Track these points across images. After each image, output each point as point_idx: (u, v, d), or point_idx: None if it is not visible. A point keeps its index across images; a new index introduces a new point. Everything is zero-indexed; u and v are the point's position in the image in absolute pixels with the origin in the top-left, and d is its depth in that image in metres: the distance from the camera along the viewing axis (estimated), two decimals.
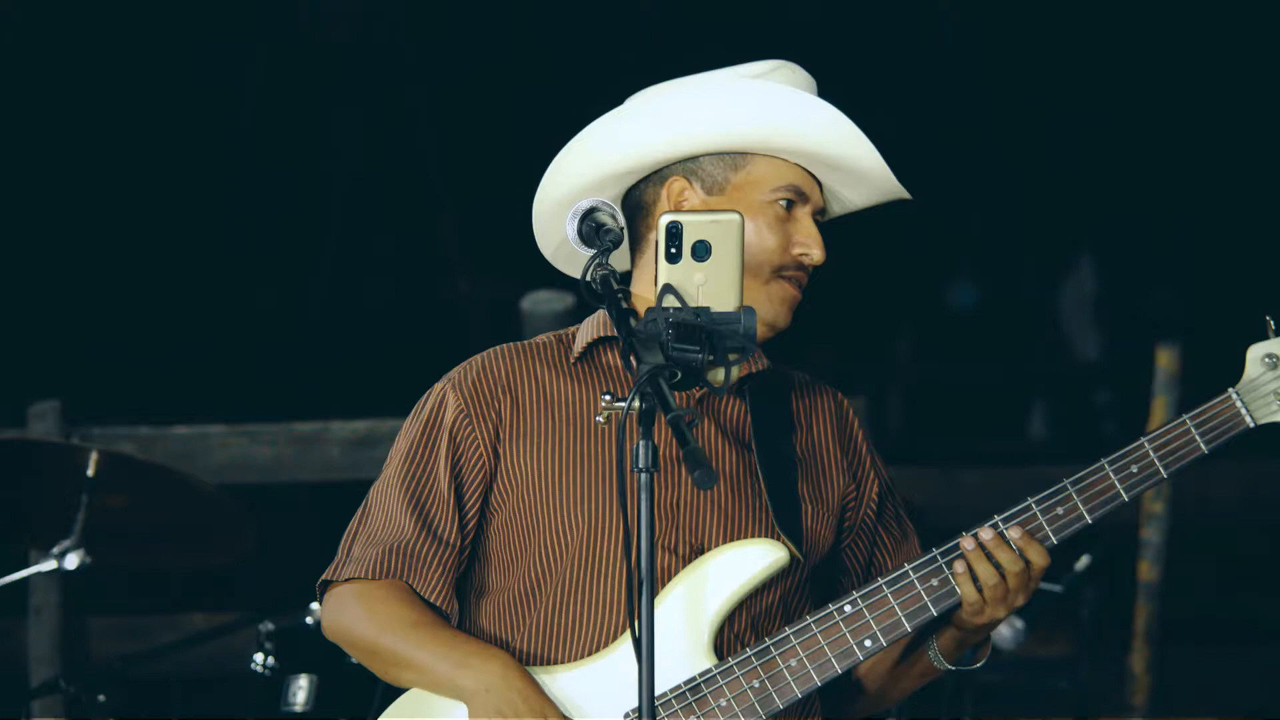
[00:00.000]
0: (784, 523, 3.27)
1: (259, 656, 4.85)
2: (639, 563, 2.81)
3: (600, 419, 3.20)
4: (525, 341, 3.43)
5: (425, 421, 3.37)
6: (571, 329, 3.46)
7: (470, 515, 3.34)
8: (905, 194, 3.43)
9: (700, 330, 2.91)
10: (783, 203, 3.36)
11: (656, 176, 3.41)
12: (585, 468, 3.30)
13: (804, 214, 3.39)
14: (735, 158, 3.39)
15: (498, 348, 3.42)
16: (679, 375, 2.88)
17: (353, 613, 3.32)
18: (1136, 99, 7.70)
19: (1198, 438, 3.27)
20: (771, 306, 3.35)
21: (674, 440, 2.86)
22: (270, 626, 4.81)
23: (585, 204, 3.23)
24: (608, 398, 2.98)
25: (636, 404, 2.83)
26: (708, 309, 2.94)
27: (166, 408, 6.60)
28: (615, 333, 3.30)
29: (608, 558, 3.28)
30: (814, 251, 3.36)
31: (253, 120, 7.65)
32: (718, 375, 2.93)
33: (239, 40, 7.41)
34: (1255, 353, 3.29)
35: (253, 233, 7.61)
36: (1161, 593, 6.35)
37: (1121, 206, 8.01)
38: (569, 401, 3.35)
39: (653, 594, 2.80)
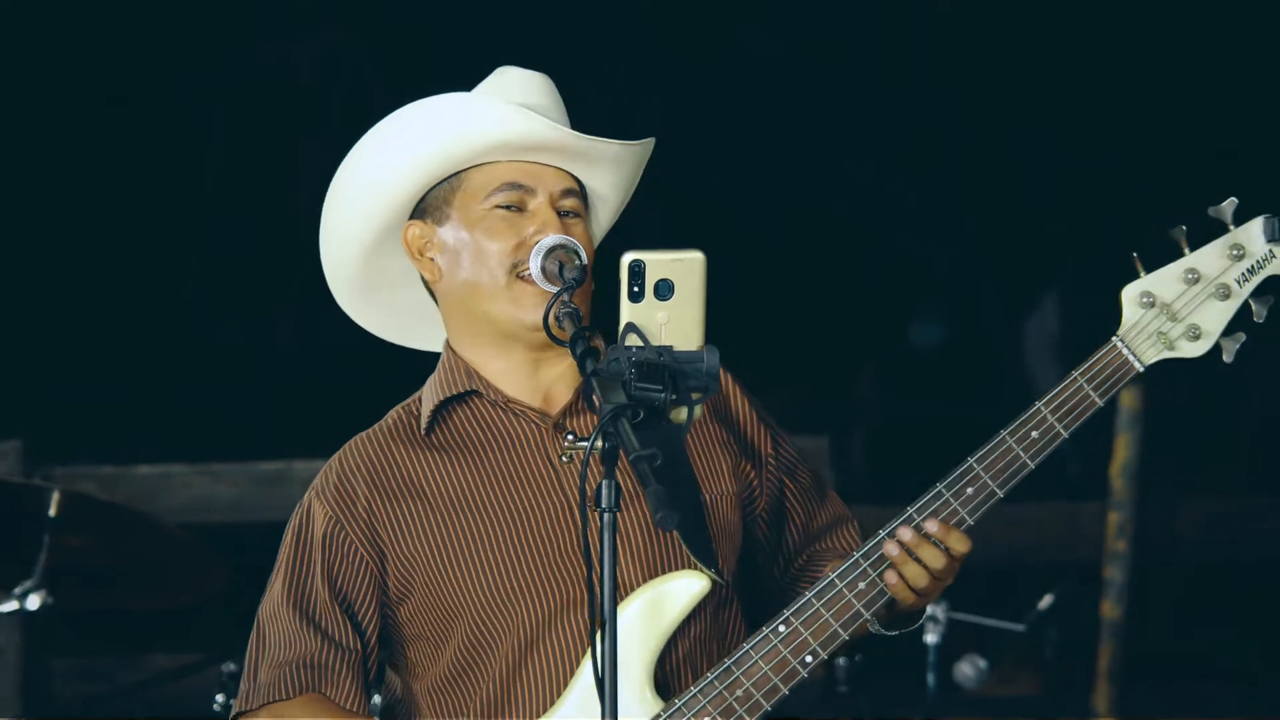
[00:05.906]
0: (696, 547, 3.20)
1: (220, 697, 4.83)
2: (601, 605, 2.78)
3: (564, 459, 3.20)
4: (376, 426, 3.38)
5: (297, 539, 3.34)
6: (415, 396, 3.41)
7: (366, 617, 3.31)
8: (614, 145, 3.29)
9: (664, 369, 2.88)
10: (502, 206, 3.29)
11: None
12: (473, 539, 3.26)
13: (539, 204, 3.29)
14: (452, 179, 3.33)
15: (351, 442, 3.37)
16: (641, 414, 2.85)
17: None
18: (1104, 134, 7.72)
19: (1090, 392, 3.20)
20: (520, 310, 3.27)
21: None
22: (232, 667, 4.80)
23: (548, 242, 3.22)
24: (570, 437, 2.96)
25: (600, 444, 2.80)
26: (670, 348, 2.91)
27: (129, 447, 6.58)
28: (456, 391, 3.32)
29: (536, 617, 3.23)
30: (545, 231, 3.25)
31: (220, 161, 7.64)
32: (681, 414, 2.92)
33: (204, 84, 7.40)
34: (1130, 293, 3.22)
35: (217, 272, 7.59)
36: (1125, 631, 6.37)
37: (1088, 243, 8.02)
38: (431, 477, 3.31)
39: (614, 636, 2.77)
